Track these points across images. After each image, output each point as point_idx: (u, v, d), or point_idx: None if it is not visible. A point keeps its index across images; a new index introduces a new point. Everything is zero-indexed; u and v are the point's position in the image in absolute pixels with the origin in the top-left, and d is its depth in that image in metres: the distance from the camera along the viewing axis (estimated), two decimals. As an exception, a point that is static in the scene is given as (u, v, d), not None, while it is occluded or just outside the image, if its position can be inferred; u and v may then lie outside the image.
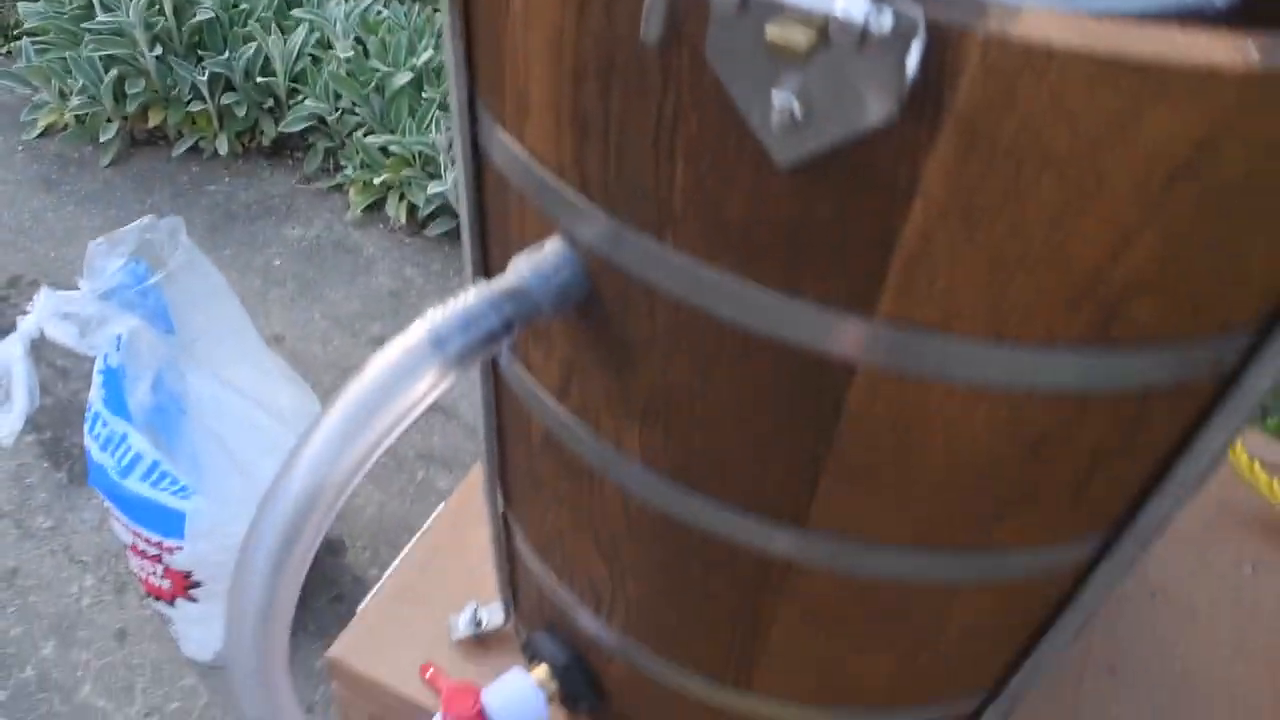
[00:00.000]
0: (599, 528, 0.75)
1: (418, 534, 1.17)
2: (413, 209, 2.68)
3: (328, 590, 1.98)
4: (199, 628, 1.84)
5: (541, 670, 0.94)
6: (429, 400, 0.58)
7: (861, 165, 0.44)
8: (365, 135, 2.67)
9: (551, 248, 0.58)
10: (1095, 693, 1.12)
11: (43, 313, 1.52)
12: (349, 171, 2.75)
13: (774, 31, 0.38)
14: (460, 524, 1.17)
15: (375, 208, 2.75)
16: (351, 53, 2.68)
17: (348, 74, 2.66)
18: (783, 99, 0.42)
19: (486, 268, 0.69)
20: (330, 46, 2.73)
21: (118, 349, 1.57)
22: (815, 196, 0.46)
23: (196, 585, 1.76)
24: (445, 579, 1.12)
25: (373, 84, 2.65)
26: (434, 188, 2.55)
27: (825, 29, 0.38)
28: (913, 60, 0.38)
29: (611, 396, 0.64)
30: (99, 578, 1.99)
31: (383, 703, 1.05)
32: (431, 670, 0.87)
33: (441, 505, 1.20)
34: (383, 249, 2.68)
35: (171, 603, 1.80)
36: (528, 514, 0.86)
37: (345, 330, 2.46)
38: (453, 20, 0.59)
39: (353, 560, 2.02)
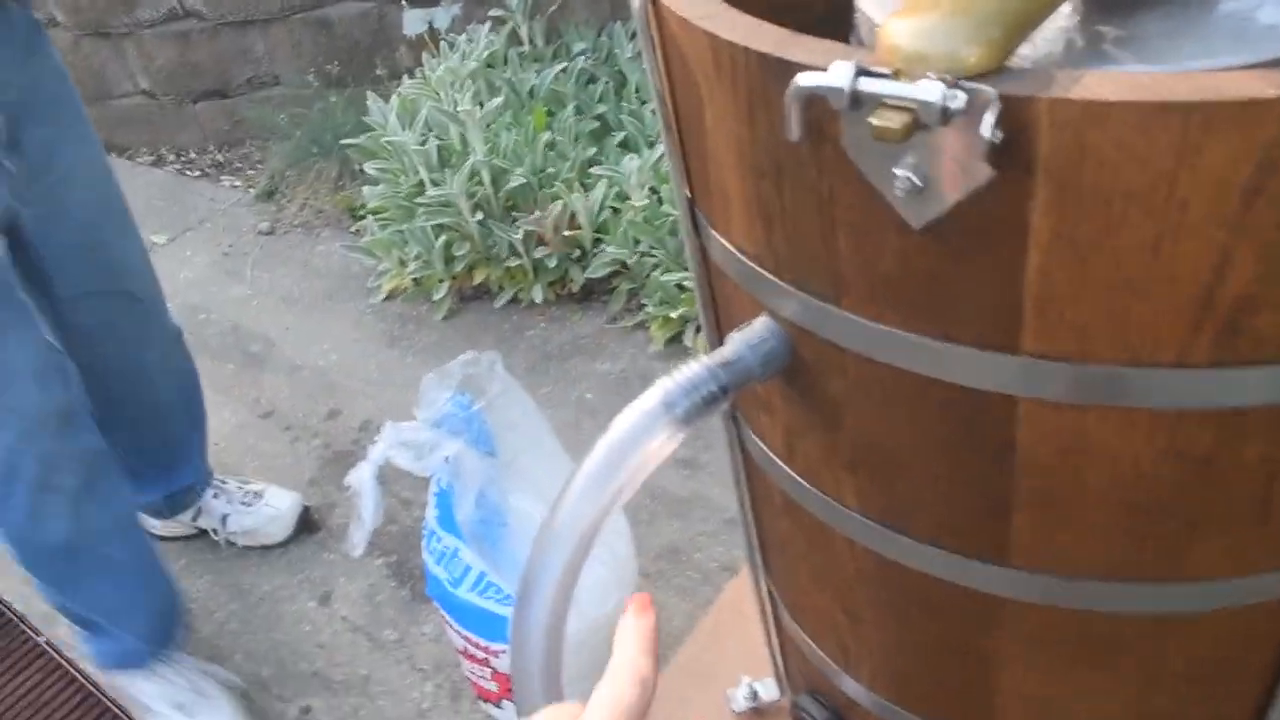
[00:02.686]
0: (834, 578, 0.83)
1: (703, 618, 1.28)
2: (708, 339, 2.87)
3: None
4: (524, 728, 2.00)
5: (808, 730, 1.01)
6: (663, 455, 0.70)
7: (980, 219, 0.53)
8: (662, 274, 2.90)
9: (759, 323, 0.70)
10: None
11: (387, 442, 1.78)
12: (649, 309, 2.98)
13: (876, 120, 0.49)
14: (740, 606, 1.27)
15: (675, 340, 2.96)
16: (646, 201, 2.94)
17: (644, 220, 2.91)
18: (902, 173, 0.52)
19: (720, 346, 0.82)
20: (627, 198, 3.01)
21: (446, 471, 1.81)
22: (949, 250, 0.55)
23: (521, 687, 1.93)
24: (724, 657, 1.22)
25: (666, 228, 2.89)
26: (725, 317, 2.72)
27: (916, 114, 0.48)
28: (987, 127, 0.47)
29: (825, 451, 0.74)
30: (437, 684, 2.22)
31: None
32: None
33: (722, 591, 1.31)
34: (683, 378, 2.87)
35: (499, 704, 1.98)
36: (782, 579, 0.96)
37: (651, 454, 2.64)
38: (671, 142, 0.73)
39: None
